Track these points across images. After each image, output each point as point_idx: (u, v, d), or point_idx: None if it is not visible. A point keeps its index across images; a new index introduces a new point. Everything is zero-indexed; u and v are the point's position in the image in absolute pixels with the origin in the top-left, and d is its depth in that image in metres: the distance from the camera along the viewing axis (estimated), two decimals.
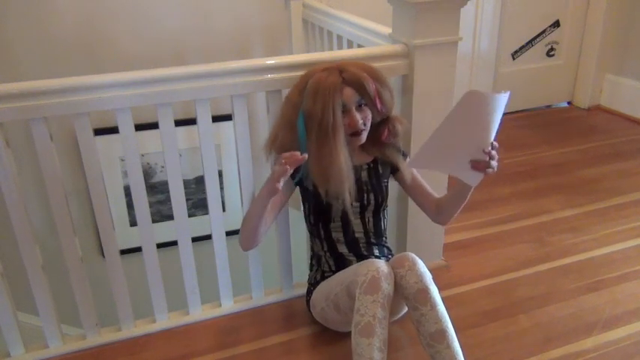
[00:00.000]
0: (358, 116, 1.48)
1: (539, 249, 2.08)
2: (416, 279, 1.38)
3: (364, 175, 1.60)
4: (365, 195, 1.60)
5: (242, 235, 1.59)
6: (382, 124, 1.56)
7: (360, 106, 1.49)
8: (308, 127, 1.47)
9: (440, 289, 1.43)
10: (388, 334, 1.37)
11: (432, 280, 1.41)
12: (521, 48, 3.27)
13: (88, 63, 2.54)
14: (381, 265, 1.40)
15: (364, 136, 1.53)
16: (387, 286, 1.36)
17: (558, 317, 1.73)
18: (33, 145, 1.45)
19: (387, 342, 1.36)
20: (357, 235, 1.62)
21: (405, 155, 1.66)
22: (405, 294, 1.40)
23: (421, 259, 1.45)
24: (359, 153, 1.59)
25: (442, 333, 1.35)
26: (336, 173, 1.47)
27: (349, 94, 1.46)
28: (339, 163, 1.46)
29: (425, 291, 1.37)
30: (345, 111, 1.47)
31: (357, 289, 1.38)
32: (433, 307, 1.37)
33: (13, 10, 2.41)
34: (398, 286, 1.40)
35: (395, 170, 1.65)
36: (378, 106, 1.50)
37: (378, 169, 1.62)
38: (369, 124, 1.53)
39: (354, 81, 1.46)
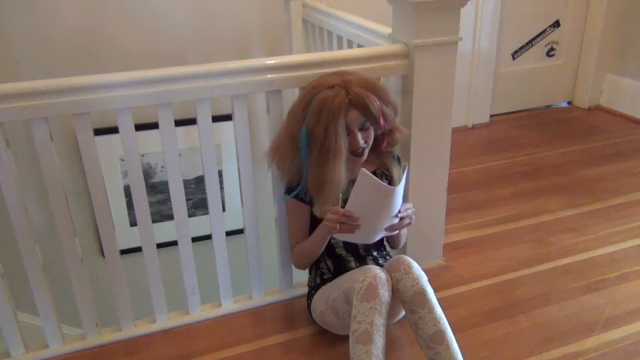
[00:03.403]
0: (360, 137, 1.47)
1: (539, 249, 2.08)
2: (412, 282, 1.38)
3: None
4: None
5: (301, 265, 1.69)
6: (383, 134, 1.56)
7: (363, 127, 1.48)
8: (310, 144, 1.47)
9: (440, 289, 1.43)
10: (388, 335, 1.37)
11: (427, 282, 1.41)
12: (521, 48, 3.27)
13: (88, 63, 2.54)
14: (378, 271, 1.40)
15: (366, 153, 1.53)
16: (384, 293, 1.36)
17: (558, 317, 1.73)
18: (33, 145, 1.45)
19: (387, 343, 1.36)
20: None
21: (399, 161, 1.67)
22: (402, 297, 1.40)
23: (417, 261, 1.45)
24: (359, 164, 1.59)
25: (441, 334, 1.36)
26: (329, 191, 1.47)
27: (353, 117, 1.45)
28: (336, 182, 1.46)
29: (422, 294, 1.38)
30: (348, 132, 1.46)
31: (354, 296, 1.38)
32: (431, 309, 1.37)
33: (14, 10, 2.41)
34: (395, 290, 1.41)
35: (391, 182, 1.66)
36: (381, 124, 1.49)
37: (379, 179, 1.62)
38: (371, 141, 1.52)
39: (360, 103, 1.43)
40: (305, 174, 1.51)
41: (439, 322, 1.36)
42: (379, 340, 1.33)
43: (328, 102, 1.42)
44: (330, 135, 1.42)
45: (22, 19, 2.43)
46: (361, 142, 1.48)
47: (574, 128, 3.18)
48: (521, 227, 2.23)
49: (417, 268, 1.42)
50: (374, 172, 1.62)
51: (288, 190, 1.60)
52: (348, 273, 1.51)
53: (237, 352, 1.64)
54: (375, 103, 1.45)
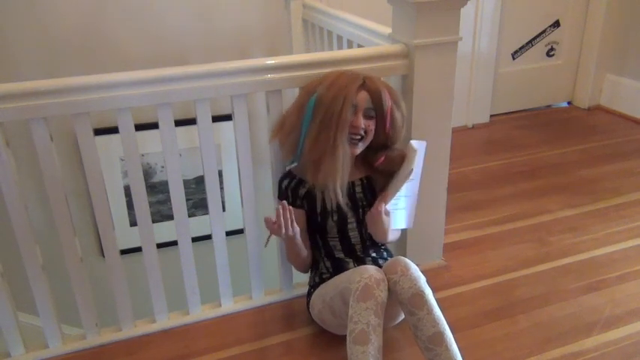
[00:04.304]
0: (362, 121, 1.48)
1: (539, 249, 2.08)
2: (410, 284, 1.38)
3: (358, 190, 1.61)
4: (361, 210, 1.61)
5: (295, 267, 1.72)
6: (382, 149, 1.56)
7: (368, 114, 1.49)
8: (315, 112, 1.48)
9: (440, 289, 1.41)
10: (386, 336, 1.36)
11: (426, 284, 1.40)
12: (521, 48, 3.27)
13: (89, 63, 2.54)
14: (374, 271, 1.39)
15: (360, 146, 1.53)
16: (380, 293, 1.36)
17: (558, 317, 1.73)
18: (33, 145, 1.45)
19: (384, 345, 1.35)
20: (353, 241, 1.63)
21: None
22: (400, 299, 1.39)
23: (417, 261, 1.44)
24: (352, 168, 1.58)
25: (440, 335, 1.35)
26: (329, 164, 1.47)
27: (363, 98, 1.48)
28: (335, 156, 1.46)
29: (420, 295, 1.37)
30: (354, 112, 1.48)
31: (350, 297, 1.38)
32: (429, 310, 1.36)
33: (14, 10, 2.41)
34: (392, 292, 1.40)
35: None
36: (387, 123, 1.50)
37: (372, 185, 1.63)
38: (369, 137, 1.52)
39: (373, 89, 1.48)
40: (302, 143, 1.51)
41: (438, 324, 1.36)
42: (376, 340, 1.33)
43: (344, 77, 1.48)
44: (337, 102, 1.45)
45: (22, 19, 2.43)
46: (362, 125, 1.48)
47: (574, 128, 3.19)
48: (521, 227, 2.23)
49: (414, 270, 1.41)
50: (367, 177, 1.63)
51: (279, 194, 1.62)
52: (345, 272, 1.51)
53: (237, 352, 1.64)
54: (388, 99, 1.49)
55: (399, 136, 1.56)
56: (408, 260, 1.44)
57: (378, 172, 1.61)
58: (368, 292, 1.35)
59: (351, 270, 1.49)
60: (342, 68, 1.57)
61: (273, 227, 1.46)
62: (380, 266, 1.50)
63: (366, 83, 1.48)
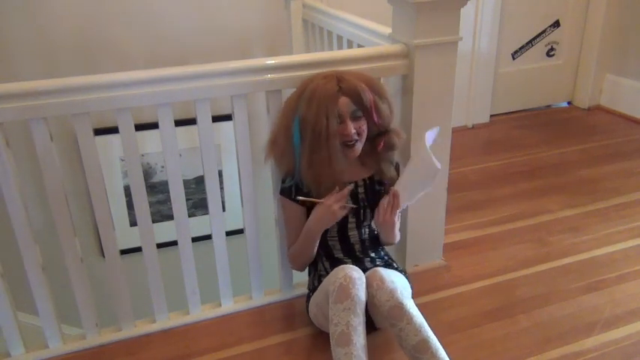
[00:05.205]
0: (351, 126, 1.47)
1: (539, 249, 2.08)
2: (387, 297, 1.37)
3: (360, 190, 1.61)
4: (361, 211, 1.61)
5: (296, 266, 1.69)
6: (379, 136, 1.56)
7: (355, 116, 1.48)
8: (302, 132, 1.47)
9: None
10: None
11: (402, 294, 1.39)
12: (521, 48, 3.27)
13: (88, 63, 2.54)
14: (350, 270, 1.39)
15: (358, 147, 1.52)
16: (356, 292, 1.35)
17: (558, 317, 1.73)
18: (33, 145, 1.45)
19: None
20: (352, 241, 1.63)
21: (398, 168, 1.67)
22: (381, 312, 1.39)
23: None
24: (356, 167, 1.59)
25: (424, 343, 1.34)
26: (327, 180, 1.47)
27: (344, 104, 1.45)
28: (332, 169, 1.46)
29: (398, 307, 1.36)
30: (340, 120, 1.47)
31: (330, 298, 1.38)
32: (409, 320, 1.35)
33: (13, 11, 2.41)
34: (371, 305, 1.41)
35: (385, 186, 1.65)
36: (375, 117, 1.49)
37: (375, 185, 1.63)
38: (364, 136, 1.52)
39: (351, 90, 1.45)
40: (299, 165, 1.51)
41: (420, 332, 1.34)
42: (358, 340, 1.32)
43: (320, 89, 1.45)
44: (321, 119, 1.43)
45: (22, 19, 2.43)
46: (352, 130, 1.47)
47: (574, 128, 3.19)
48: (521, 227, 2.23)
49: (389, 282, 1.40)
50: (370, 178, 1.62)
51: (282, 189, 1.61)
52: (330, 274, 1.50)
53: (237, 352, 1.64)
54: (368, 94, 1.46)
55: (389, 121, 1.55)
56: (383, 272, 1.43)
57: (381, 159, 1.60)
58: (344, 293, 1.35)
59: (332, 271, 1.48)
60: (341, 68, 1.56)
61: (337, 198, 1.48)
62: (378, 266, 1.50)
63: (342, 88, 1.45)
